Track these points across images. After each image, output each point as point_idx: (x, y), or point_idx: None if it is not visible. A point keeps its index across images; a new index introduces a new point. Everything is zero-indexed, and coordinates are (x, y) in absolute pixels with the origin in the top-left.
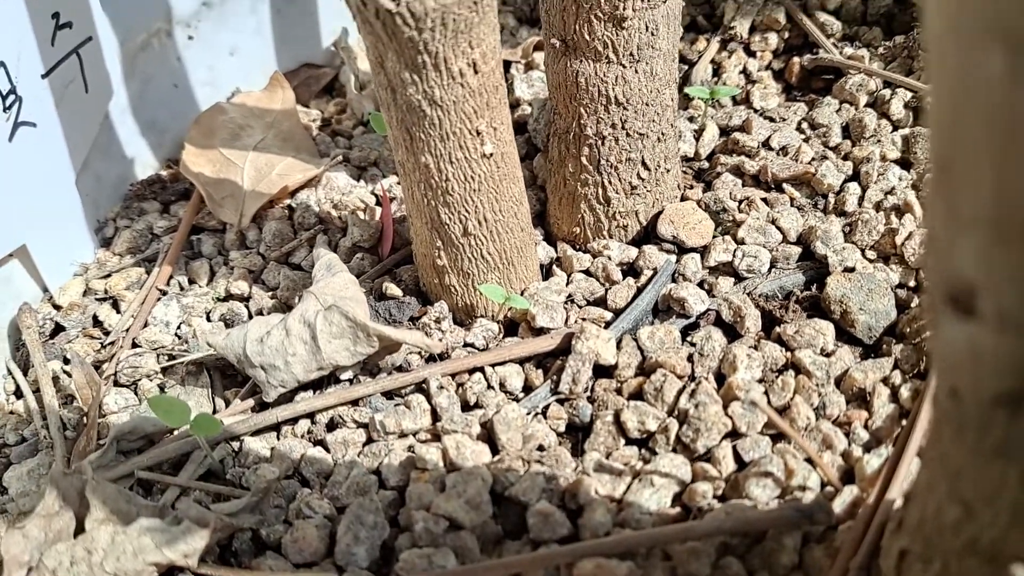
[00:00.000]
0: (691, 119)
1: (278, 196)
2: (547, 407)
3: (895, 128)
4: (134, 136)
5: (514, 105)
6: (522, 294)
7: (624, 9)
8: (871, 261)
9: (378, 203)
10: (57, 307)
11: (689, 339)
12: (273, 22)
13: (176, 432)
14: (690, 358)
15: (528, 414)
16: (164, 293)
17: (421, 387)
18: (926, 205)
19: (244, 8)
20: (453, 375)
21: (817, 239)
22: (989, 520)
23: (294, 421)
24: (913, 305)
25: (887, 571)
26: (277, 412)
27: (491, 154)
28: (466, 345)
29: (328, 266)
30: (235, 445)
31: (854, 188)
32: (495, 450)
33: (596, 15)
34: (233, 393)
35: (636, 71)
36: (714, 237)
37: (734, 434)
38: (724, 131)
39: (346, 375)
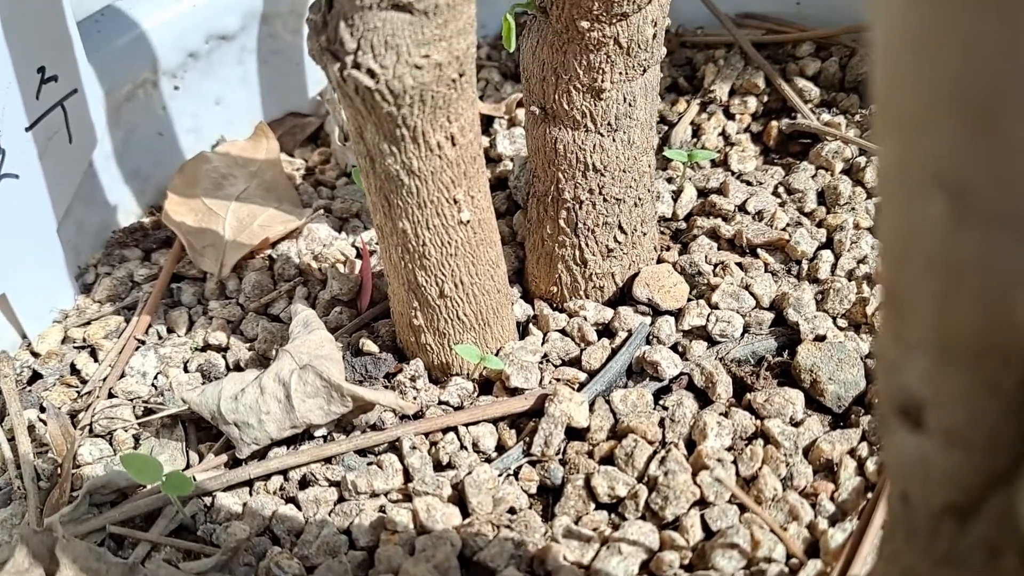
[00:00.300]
0: (670, 180)
1: (259, 247)
2: (519, 468)
3: (869, 196)
4: (117, 184)
5: (496, 160)
6: (497, 354)
7: (602, 82)
8: (842, 329)
9: (358, 256)
10: (35, 354)
11: (661, 403)
12: (259, 72)
13: (149, 487)
14: (661, 423)
15: (500, 475)
16: (142, 343)
17: (394, 446)
18: (877, 324)
19: (230, 59)
20: (427, 434)
21: (789, 306)
22: None
23: (267, 477)
24: None
25: None
26: (250, 469)
27: (468, 221)
28: (441, 403)
29: (305, 323)
30: (207, 500)
31: (827, 256)
32: (465, 512)
33: (575, 86)
34: (207, 447)
35: (614, 140)
36: (689, 300)
37: (702, 503)
38: (702, 192)
39: (320, 432)
